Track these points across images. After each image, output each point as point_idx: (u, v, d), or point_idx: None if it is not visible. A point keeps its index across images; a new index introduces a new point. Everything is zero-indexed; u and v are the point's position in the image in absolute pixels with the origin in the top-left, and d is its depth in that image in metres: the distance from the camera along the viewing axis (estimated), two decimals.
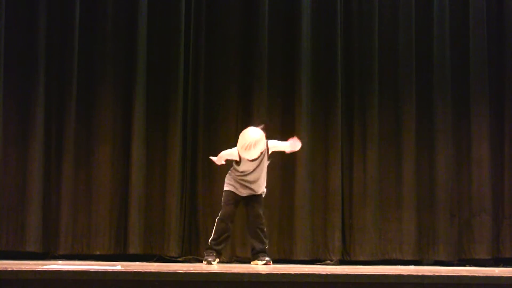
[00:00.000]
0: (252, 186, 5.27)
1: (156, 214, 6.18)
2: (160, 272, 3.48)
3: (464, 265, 6.37)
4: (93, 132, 6.18)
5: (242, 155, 5.15)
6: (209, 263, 5.15)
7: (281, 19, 6.54)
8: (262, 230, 5.25)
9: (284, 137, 6.35)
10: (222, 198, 5.29)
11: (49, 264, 4.34)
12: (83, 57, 6.21)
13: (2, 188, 5.98)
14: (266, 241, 5.27)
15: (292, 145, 5.29)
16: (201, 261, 6.00)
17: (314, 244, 6.30)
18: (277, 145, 5.30)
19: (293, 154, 6.30)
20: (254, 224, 5.26)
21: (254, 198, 5.29)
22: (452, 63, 6.68)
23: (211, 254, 5.20)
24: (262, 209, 5.32)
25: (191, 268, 3.79)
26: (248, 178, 5.24)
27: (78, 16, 6.20)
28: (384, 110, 6.57)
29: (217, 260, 5.22)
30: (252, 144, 5.08)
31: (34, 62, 6.09)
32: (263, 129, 5.16)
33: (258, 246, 5.23)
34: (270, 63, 6.43)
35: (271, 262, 5.17)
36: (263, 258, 5.14)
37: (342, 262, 6.28)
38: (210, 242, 5.25)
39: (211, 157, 5.42)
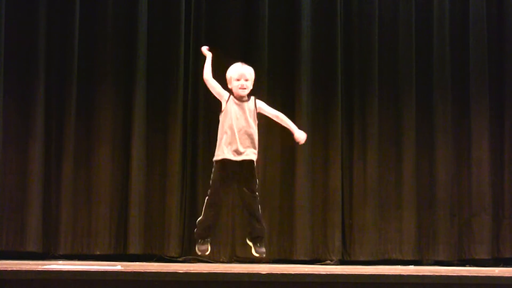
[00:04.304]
0: (243, 143, 4.82)
1: (156, 214, 6.18)
2: (160, 272, 3.48)
3: (464, 265, 6.37)
4: (93, 132, 6.18)
5: (230, 77, 4.89)
6: (204, 252, 4.92)
7: (281, 19, 6.54)
8: (258, 210, 4.85)
9: (284, 137, 6.37)
10: (212, 175, 4.85)
11: (49, 264, 4.34)
12: (83, 57, 6.21)
13: (2, 188, 5.98)
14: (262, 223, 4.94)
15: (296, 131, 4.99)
16: (201, 261, 6.01)
17: (314, 244, 6.30)
18: (266, 109, 4.99)
19: (293, 154, 6.33)
20: (251, 203, 4.83)
21: (247, 168, 4.84)
22: (452, 63, 6.68)
23: (203, 242, 4.98)
24: (256, 182, 4.89)
25: (191, 268, 3.80)
26: (238, 131, 4.82)
27: (78, 16, 6.20)
28: (384, 110, 6.57)
29: (209, 248, 5.01)
30: (249, 72, 4.89)
31: (34, 62, 6.09)
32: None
33: (256, 227, 4.82)
34: (270, 63, 6.43)
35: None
36: (260, 250, 4.78)
37: (342, 262, 6.28)
38: (198, 225, 4.87)
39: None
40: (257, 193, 4.93)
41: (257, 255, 4.86)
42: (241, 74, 4.90)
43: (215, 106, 6.33)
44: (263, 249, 4.87)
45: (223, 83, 6.47)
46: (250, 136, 4.91)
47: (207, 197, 4.90)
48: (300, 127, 6.32)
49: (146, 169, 6.19)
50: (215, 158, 4.91)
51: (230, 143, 4.83)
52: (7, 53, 6.04)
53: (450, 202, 6.53)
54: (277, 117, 5.03)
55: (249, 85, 4.93)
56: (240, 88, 4.89)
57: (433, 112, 6.60)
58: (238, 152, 4.84)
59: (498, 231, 6.53)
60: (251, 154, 4.89)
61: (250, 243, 4.90)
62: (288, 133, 6.34)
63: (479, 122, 6.60)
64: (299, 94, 6.39)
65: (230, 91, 4.92)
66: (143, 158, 6.18)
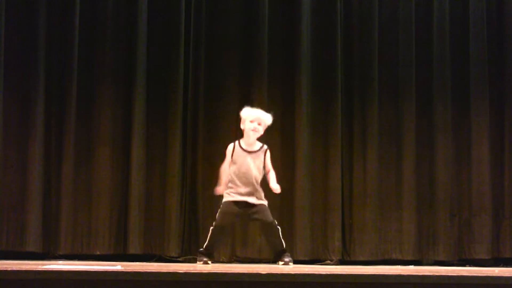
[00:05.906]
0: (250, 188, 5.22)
1: (156, 214, 6.18)
2: (160, 272, 3.48)
3: (464, 265, 6.37)
4: (93, 132, 6.18)
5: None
6: (206, 262, 5.20)
7: (281, 19, 6.54)
8: (278, 233, 5.30)
9: (284, 137, 6.37)
10: (219, 214, 5.32)
11: (49, 264, 4.34)
12: (83, 57, 6.21)
13: (2, 188, 5.98)
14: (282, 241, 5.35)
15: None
16: None
17: (314, 244, 6.30)
18: (267, 160, 5.37)
19: (293, 154, 6.33)
20: (269, 232, 5.30)
21: (258, 209, 5.27)
22: (452, 63, 6.68)
23: (204, 256, 5.30)
24: (270, 215, 5.31)
25: (191, 268, 3.79)
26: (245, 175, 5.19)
27: (78, 16, 6.20)
28: (384, 110, 6.57)
29: (211, 260, 5.33)
30: (265, 117, 5.29)
31: (34, 62, 6.09)
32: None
33: (277, 247, 5.30)
34: (270, 63, 6.42)
35: (292, 262, 5.30)
36: (283, 259, 5.23)
37: (342, 262, 6.28)
38: (205, 248, 5.34)
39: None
40: (274, 221, 5.25)
41: (283, 263, 5.08)
42: (257, 117, 5.20)
43: (215, 105, 6.37)
44: (289, 258, 5.10)
45: (223, 81, 6.50)
46: (257, 183, 5.25)
47: (212, 228, 5.14)
48: (300, 127, 6.36)
49: (146, 169, 6.19)
50: (224, 199, 5.24)
51: (238, 190, 5.21)
52: (7, 53, 6.03)
53: (450, 202, 6.53)
54: (269, 171, 5.36)
55: (261, 130, 5.14)
56: (252, 130, 5.09)
57: (433, 112, 6.59)
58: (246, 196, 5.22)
59: (498, 231, 6.53)
60: (262, 199, 5.28)
61: (279, 262, 5.11)
62: (288, 133, 6.38)
63: (479, 122, 6.60)
64: (299, 95, 6.39)
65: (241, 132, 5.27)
66: (143, 158, 6.18)
